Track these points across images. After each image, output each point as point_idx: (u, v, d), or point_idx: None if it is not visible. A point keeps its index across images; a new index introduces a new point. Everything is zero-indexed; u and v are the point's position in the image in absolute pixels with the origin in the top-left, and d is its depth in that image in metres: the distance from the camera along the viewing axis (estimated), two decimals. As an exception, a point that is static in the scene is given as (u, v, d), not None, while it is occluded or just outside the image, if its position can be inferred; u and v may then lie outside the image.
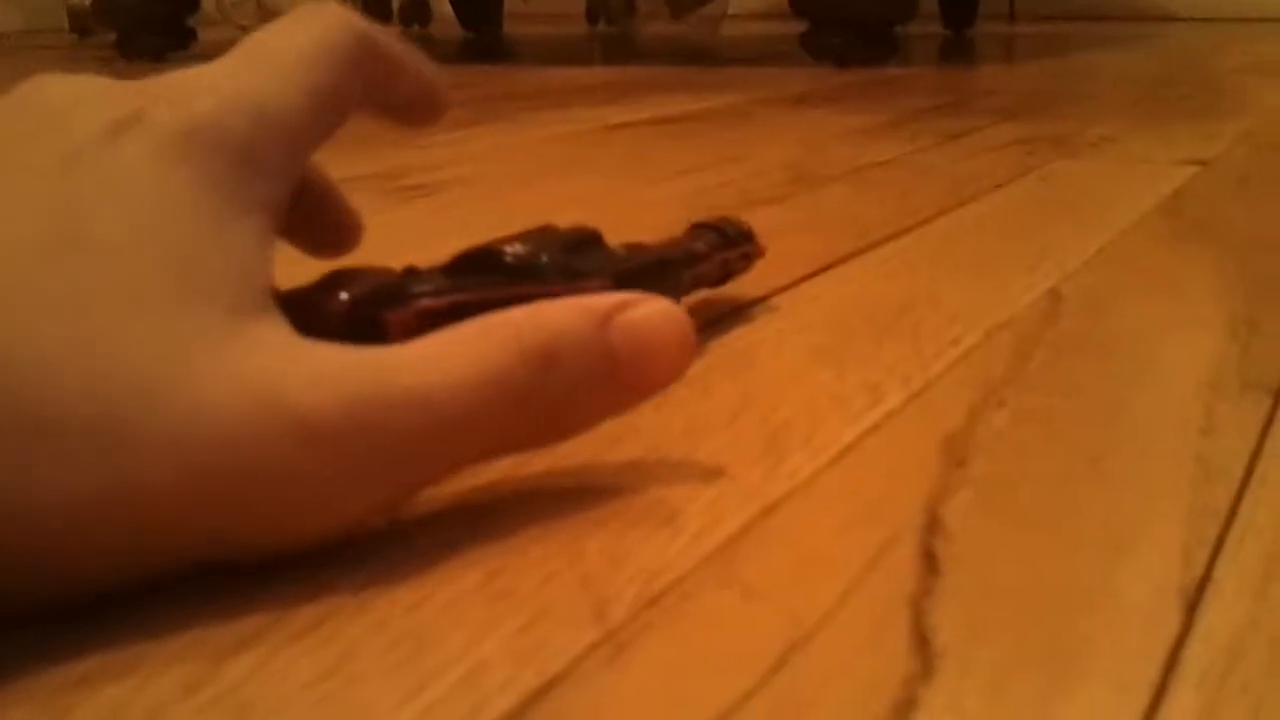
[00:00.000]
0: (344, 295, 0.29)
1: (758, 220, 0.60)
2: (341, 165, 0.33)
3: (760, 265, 0.50)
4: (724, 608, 0.23)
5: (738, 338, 0.41)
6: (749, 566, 0.25)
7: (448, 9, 2.52)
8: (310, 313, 0.28)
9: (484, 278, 0.31)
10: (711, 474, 0.29)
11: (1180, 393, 0.35)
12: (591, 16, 2.55)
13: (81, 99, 0.26)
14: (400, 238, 0.57)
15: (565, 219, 0.61)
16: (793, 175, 0.72)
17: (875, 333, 0.41)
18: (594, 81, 1.36)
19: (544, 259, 0.33)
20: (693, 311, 0.42)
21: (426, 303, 0.30)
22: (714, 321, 0.43)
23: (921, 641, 0.22)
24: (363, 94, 0.30)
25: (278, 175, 0.27)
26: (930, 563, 0.25)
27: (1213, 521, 0.26)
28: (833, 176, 0.71)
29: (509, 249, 0.32)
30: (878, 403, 0.34)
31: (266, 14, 2.82)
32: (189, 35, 1.77)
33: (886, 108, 1.05)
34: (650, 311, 0.28)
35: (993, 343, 0.40)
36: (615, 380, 0.27)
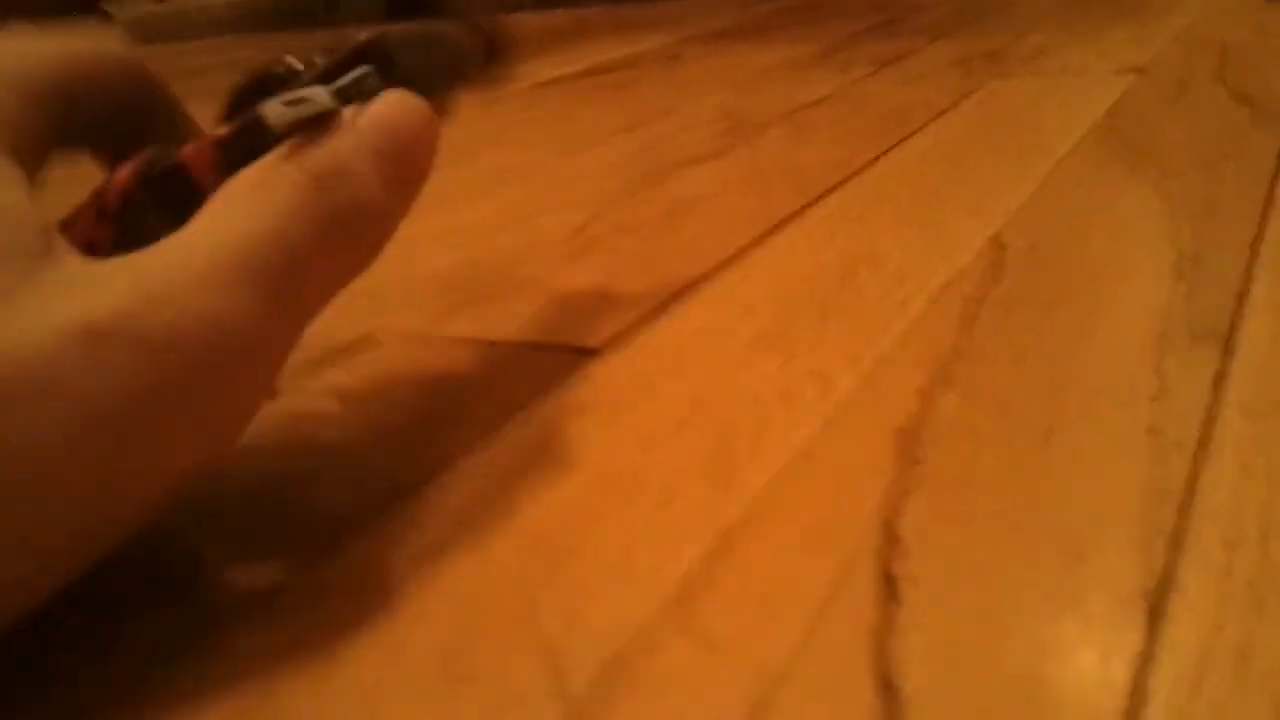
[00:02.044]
0: (127, 168, 0.27)
1: (696, 181, 0.59)
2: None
3: (702, 235, 0.50)
4: (686, 664, 0.23)
5: (681, 327, 0.40)
6: (708, 609, 0.24)
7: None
8: (103, 205, 0.27)
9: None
10: (662, 498, 0.29)
11: (1129, 351, 0.34)
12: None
13: None
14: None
15: (499, 199, 0.60)
16: (727, 125, 0.71)
17: (819, 307, 0.40)
18: (522, 32, 1.33)
19: (315, 58, 0.31)
20: (631, 302, 0.42)
21: (220, 130, 0.28)
22: (657, 309, 0.42)
23: (888, 688, 0.21)
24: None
25: (25, 122, 0.26)
26: (890, 587, 0.24)
27: (1169, 506, 0.26)
28: (767, 122, 0.70)
29: (281, 63, 0.31)
30: (826, 393, 0.34)
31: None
32: (104, 16, 1.72)
33: (817, 35, 1.04)
34: (388, 101, 0.28)
35: (939, 307, 0.39)
36: (388, 176, 0.28)
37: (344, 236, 0.26)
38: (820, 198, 0.53)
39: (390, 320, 0.43)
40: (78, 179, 0.30)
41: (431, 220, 0.56)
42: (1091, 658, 0.21)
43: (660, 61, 0.99)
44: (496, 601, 0.25)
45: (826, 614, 0.24)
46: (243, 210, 0.25)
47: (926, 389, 0.33)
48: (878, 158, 0.59)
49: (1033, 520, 0.26)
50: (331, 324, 0.43)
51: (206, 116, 0.32)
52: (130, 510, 0.23)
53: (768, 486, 0.29)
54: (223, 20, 2.08)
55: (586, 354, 0.39)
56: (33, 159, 0.26)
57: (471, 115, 0.84)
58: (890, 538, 0.26)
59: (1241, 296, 0.37)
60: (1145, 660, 0.21)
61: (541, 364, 0.38)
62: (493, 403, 0.36)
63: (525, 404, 0.35)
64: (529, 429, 0.34)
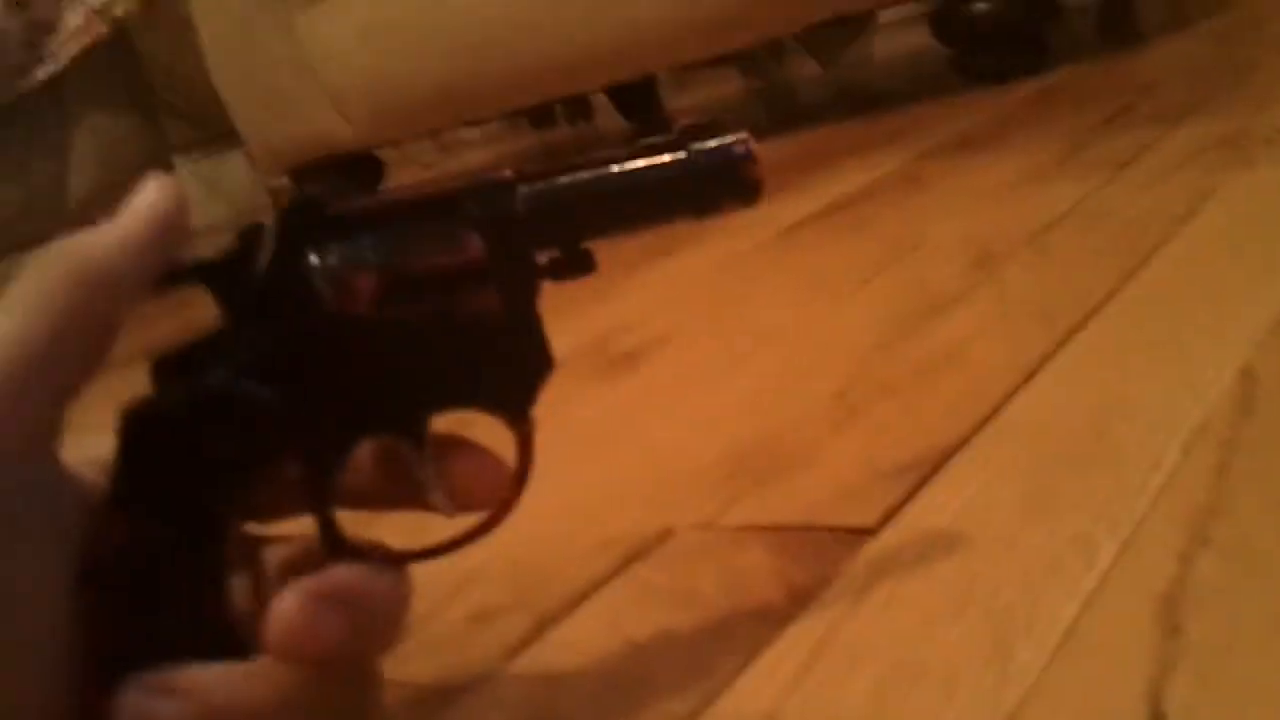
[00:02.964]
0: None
1: (947, 328, 0.62)
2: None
3: (958, 392, 0.53)
4: None
5: (948, 499, 0.44)
6: (997, 799, 0.28)
7: (606, 101, 2.59)
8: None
9: None
10: (948, 685, 0.33)
11: (1383, 493, 0.36)
12: (744, 72, 2.60)
13: None
14: (617, 426, 0.62)
15: (760, 368, 0.65)
16: (972, 258, 0.74)
17: (1078, 466, 0.43)
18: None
19: None
20: (898, 474, 0.44)
21: None
22: (923, 479, 0.45)
23: None
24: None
25: None
26: (1160, 769, 0.27)
27: None
28: (1011, 251, 0.73)
29: None
30: (1091, 564, 0.37)
31: (442, 148, 2.96)
32: (381, 200, 1.88)
33: (1053, 134, 1.06)
34: None
35: (1193, 458, 0.41)
36: None
37: None
38: (1068, 337, 0.56)
39: (683, 512, 0.49)
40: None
41: (703, 397, 0.61)
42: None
43: (900, 185, 1.03)
44: (812, 801, 0.30)
45: (1104, 800, 0.27)
46: None
47: (1185, 551, 0.36)
48: (1123, 283, 0.61)
49: (1292, 691, 0.29)
50: (635, 518, 0.49)
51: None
52: None
53: (1043, 669, 0.32)
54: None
55: (863, 534, 0.43)
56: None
57: (723, 275, 0.90)
58: (1156, 716, 0.29)
59: None
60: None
61: (822, 546, 0.43)
62: (783, 592, 0.40)
63: (814, 593, 0.40)
64: (819, 620, 0.38)
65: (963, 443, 0.48)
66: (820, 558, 0.42)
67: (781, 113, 1.93)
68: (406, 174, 2.78)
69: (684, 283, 0.90)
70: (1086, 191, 0.82)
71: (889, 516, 0.43)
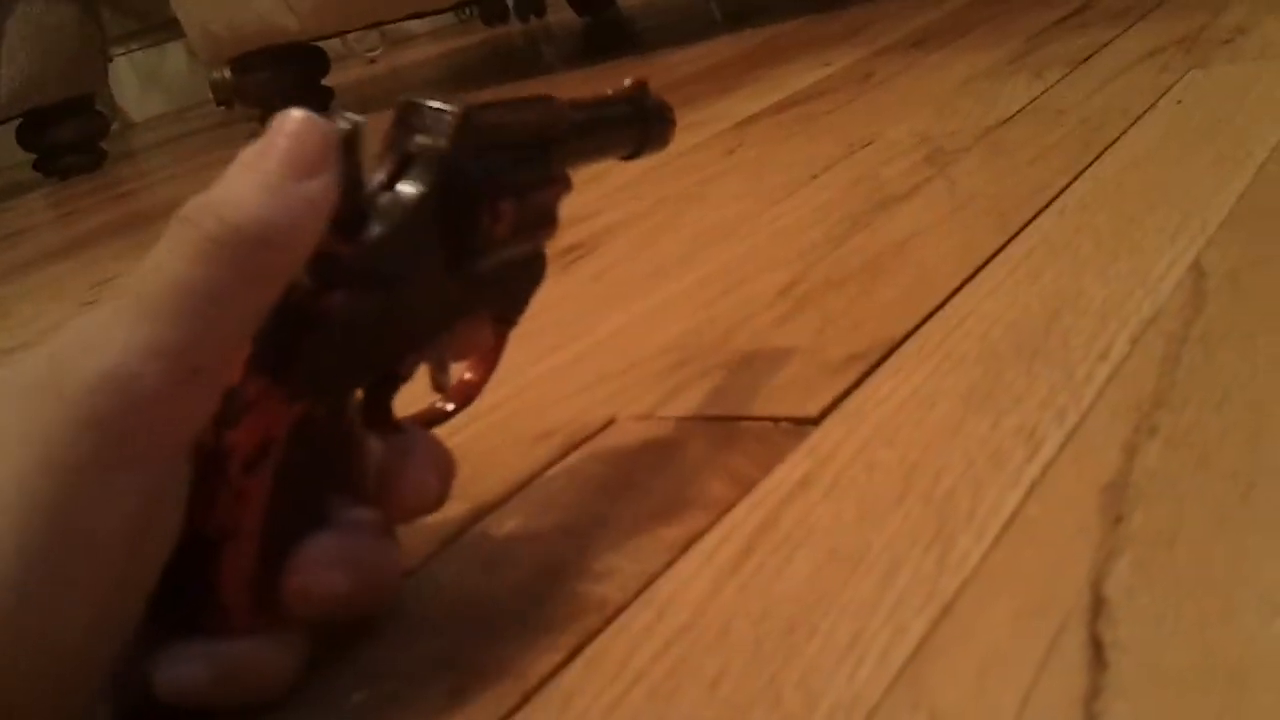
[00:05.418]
0: None
1: (898, 223, 0.61)
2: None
3: (907, 285, 0.52)
4: (916, 739, 0.26)
5: (894, 389, 0.43)
6: (933, 682, 0.27)
7: (560, -3, 2.55)
8: None
9: None
10: (888, 573, 0.32)
11: (1330, 385, 0.35)
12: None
13: None
14: (569, 317, 0.61)
15: (711, 262, 0.64)
16: (924, 153, 0.73)
17: (1026, 357, 0.42)
18: (716, 60, 1.37)
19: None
20: (844, 365, 0.43)
21: None
22: (869, 370, 0.45)
23: (1096, 757, 0.24)
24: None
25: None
26: (1098, 653, 0.27)
27: (1366, 556, 0.28)
28: (964, 146, 0.72)
29: None
30: (1035, 453, 0.36)
31: (389, 42, 2.90)
32: (328, 94, 1.84)
33: (1009, 32, 1.04)
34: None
35: (1141, 350, 0.41)
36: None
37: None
38: (1021, 231, 0.55)
39: (625, 403, 0.48)
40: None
41: (649, 289, 0.60)
42: (1287, 719, 0.24)
43: (853, 84, 1.01)
44: (742, 682, 0.29)
45: (1040, 684, 0.26)
46: None
47: (1130, 441, 0.35)
48: (1075, 178, 0.60)
49: (1234, 578, 0.28)
50: (577, 408, 0.48)
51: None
52: None
53: (984, 555, 0.32)
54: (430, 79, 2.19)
55: (806, 424, 0.42)
56: None
57: (671, 170, 0.88)
58: (1098, 602, 0.29)
59: None
60: (1338, 719, 0.23)
61: (765, 437, 0.42)
62: (724, 481, 0.40)
63: (754, 481, 0.39)
64: (759, 508, 0.37)
65: (910, 334, 0.47)
66: (762, 448, 0.41)
67: (737, 6, 1.89)
68: (351, 68, 2.72)
69: (632, 177, 0.89)
70: (1041, 89, 0.81)
71: (833, 407, 0.43)
